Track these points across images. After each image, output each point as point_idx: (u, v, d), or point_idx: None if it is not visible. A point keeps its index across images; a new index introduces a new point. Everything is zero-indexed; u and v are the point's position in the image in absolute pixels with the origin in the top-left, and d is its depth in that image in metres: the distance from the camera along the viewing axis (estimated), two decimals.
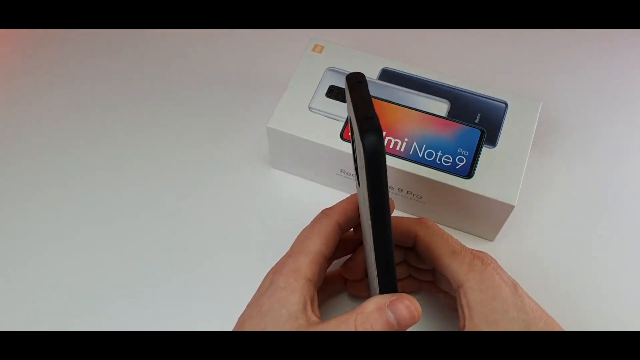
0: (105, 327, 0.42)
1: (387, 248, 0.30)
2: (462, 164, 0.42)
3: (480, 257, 0.35)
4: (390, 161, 0.42)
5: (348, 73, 0.31)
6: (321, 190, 0.48)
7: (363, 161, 0.27)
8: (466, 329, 0.33)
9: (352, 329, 0.30)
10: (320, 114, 0.44)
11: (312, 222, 0.36)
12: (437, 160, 0.42)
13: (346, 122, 0.44)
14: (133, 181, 0.49)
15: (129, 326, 0.42)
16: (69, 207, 0.47)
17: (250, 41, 0.57)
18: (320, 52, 0.47)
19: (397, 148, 0.43)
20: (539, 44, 0.57)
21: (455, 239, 0.36)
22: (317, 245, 0.35)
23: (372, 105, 0.28)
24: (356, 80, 0.30)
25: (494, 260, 0.36)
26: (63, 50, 0.56)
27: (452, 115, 0.44)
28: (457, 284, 0.35)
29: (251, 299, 0.35)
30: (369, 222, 0.29)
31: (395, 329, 0.31)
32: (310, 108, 0.44)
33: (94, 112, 0.52)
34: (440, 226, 0.46)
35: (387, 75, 0.46)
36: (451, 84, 0.45)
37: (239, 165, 0.49)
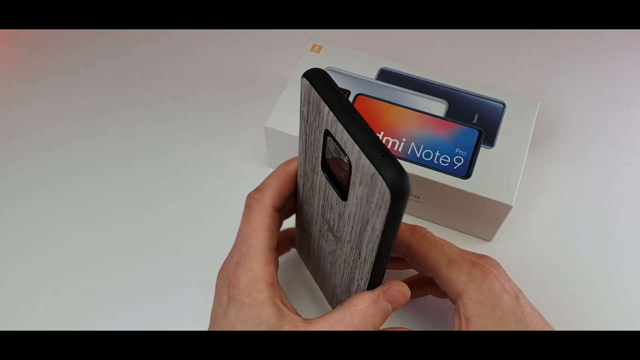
0: (104, 327, 0.42)
1: (384, 266, 0.29)
2: (460, 164, 0.42)
3: (481, 265, 0.33)
4: None
5: (319, 70, 0.27)
6: None
7: (381, 199, 0.25)
8: None
9: (351, 327, 0.30)
10: None
11: (244, 212, 0.32)
12: (434, 160, 0.42)
13: None
14: (131, 181, 0.49)
15: (129, 326, 0.42)
16: (68, 207, 0.47)
17: (248, 41, 0.57)
18: (318, 52, 0.47)
19: (395, 148, 0.43)
20: (537, 45, 0.57)
21: (452, 246, 0.34)
22: (263, 242, 0.31)
23: (376, 135, 0.25)
24: (330, 87, 0.26)
25: (497, 265, 0.34)
26: (61, 50, 0.56)
27: (450, 115, 0.44)
28: (455, 294, 0.33)
29: (213, 316, 0.33)
30: (366, 244, 0.28)
31: (390, 313, 0.31)
32: None
33: (92, 111, 0.52)
34: (438, 226, 0.46)
35: (386, 75, 0.46)
36: (449, 84, 0.46)
37: (237, 165, 0.49)
